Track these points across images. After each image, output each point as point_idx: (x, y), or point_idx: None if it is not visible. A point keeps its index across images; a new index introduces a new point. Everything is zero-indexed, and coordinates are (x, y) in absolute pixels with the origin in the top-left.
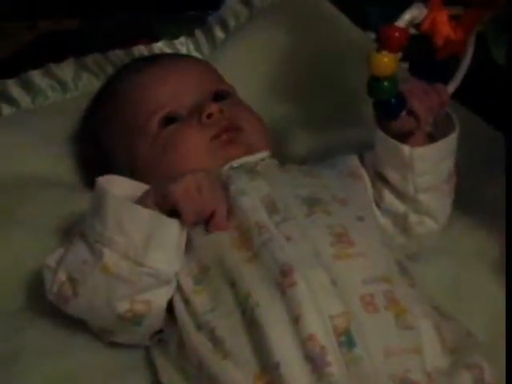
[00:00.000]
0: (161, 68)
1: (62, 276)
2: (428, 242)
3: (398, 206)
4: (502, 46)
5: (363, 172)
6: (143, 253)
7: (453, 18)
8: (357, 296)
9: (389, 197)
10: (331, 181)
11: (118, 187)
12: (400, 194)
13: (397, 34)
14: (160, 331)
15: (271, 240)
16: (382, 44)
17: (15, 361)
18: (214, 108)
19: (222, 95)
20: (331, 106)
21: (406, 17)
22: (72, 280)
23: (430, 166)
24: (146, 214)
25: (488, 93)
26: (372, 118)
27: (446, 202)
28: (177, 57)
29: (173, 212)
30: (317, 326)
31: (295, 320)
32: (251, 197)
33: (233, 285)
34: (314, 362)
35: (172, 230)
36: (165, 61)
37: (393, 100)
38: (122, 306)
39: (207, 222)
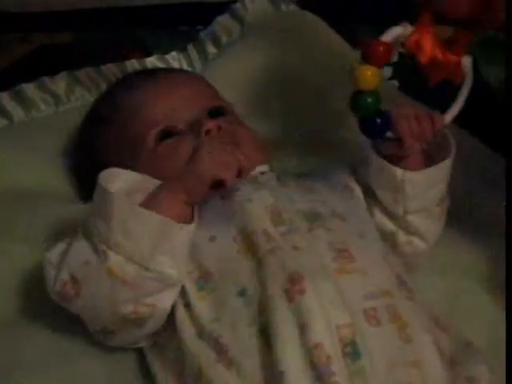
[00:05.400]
0: (157, 83)
1: (64, 275)
2: (416, 260)
3: (388, 225)
4: (492, 64)
5: (355, 185)
6: (150, 257)
7: (446, 40)
8: (360, 310)
9: (378, 214)
10: (329, 195)
11: (120, 181)
12: (390, 214)
13: (381, 48)
14: (156, 332)
15: (279, 248)
16: (366, 57)
17: (13, 371)
18: (211, 125)
19: (218, 111)
20: (324, 121)
21: (391, 33)
22: (74, 280)
23: (421, 190)
24: (155, 219)
25: (478, 111)
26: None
27: (436, 224)
28: (173, 72)
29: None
30: (324, 335)
31: (302, 327)
32: (257, 205)
33: (239, 291)
34: (319, 370)
35: (181, 236)
36: (161, 76)
37: (378, 120)
38: (126, 309)
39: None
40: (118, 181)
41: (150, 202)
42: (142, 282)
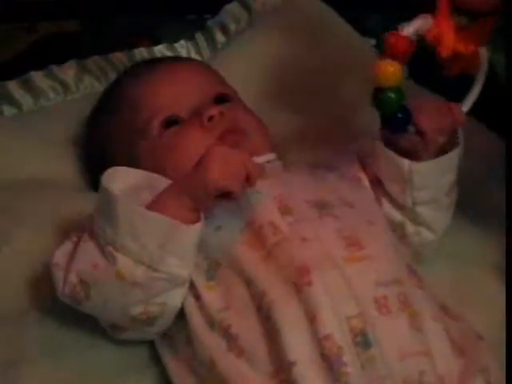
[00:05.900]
0: (161, 71)
1: (73, 278)
2: (424, 251)
3: (396, 216)
4: (498, 51)
5: (363, 176)
6: (158, 258)
7: (462, 29)
8: (370, 298)
9: (387, 205)
10: (338, 184)
11: (125, 180)
12: (398, 205)
13: (402, 42)
14: None
15: (286, 240)
16: (388, 52)
17: (19, 362)
18: (214, 111)
19: (223, 98)
20: (333, 111)
21: (412, 26)
22: (84, 283)
23: (429, 180)
24: (162, 221)
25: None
26: (373, 128)
27: (445, 215)
28: (177, 60)
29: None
30: (333, 326)
31: (311, 319)
32: (264, 196)
33: (247, 283)
34: (330, 361)
35: (189, 236)
36: (165, 64)
37: (399, 114)
38: (136, 310)
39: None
40: (122, 180)
41: (156, 206)
42: (152, 283)
